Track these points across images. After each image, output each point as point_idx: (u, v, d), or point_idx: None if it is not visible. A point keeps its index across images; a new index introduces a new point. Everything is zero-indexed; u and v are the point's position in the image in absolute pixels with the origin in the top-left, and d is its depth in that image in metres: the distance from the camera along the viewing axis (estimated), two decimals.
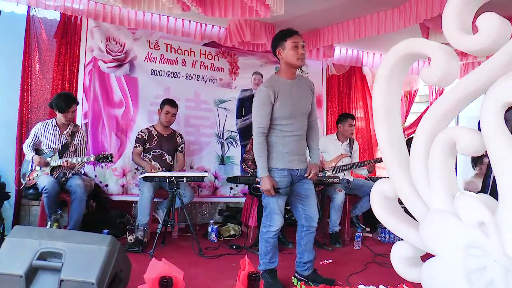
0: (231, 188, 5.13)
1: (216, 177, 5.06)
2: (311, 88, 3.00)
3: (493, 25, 1.81)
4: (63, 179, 3.80)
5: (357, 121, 6.04)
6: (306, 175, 2.95)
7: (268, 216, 2.88)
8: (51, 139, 3.85)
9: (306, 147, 3.04)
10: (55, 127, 3.87)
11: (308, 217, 2.98)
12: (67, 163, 3.71)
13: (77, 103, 3.95)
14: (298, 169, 2.90)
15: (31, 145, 3.83)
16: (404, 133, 6.02)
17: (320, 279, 2.96)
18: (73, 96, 3.97)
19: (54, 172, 3.80)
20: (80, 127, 4.10)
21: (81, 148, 3.98)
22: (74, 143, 3.93)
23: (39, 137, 3.86)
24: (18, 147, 4.13)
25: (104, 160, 3.78)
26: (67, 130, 3.90)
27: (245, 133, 5.19)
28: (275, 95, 2.76)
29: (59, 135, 3.87)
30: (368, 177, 5.08)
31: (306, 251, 3.02)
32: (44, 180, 3.63)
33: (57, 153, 3.82)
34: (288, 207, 4.13)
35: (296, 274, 3.07)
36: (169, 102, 4.30)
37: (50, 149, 3.83)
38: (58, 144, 3.86)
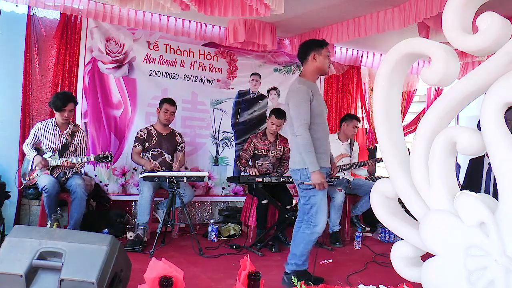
0: (223, 188, 5.17)
1: (209, 178, 5.09)
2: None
3: (494, 25, 1.82)
4: (63, 178, 3.80)
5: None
6: (332, 174, 3.15)
7: (314, 216, 2.88)
8: (51, 139, 3.84)
9: None
10: (55, 127, 3.86)
11: None
12: (67, 163, 3.71)
13: (75, 102, 3.93)
14: (329, 167, 3.04)
15: (31, 144, 3.83)
16: None
17: (309, 277, 2.96)
18: (70, 95, 3.94)
19: (54, 172, 3.80)
20: (80, 126, 4.10)
21: (81, 147, 3.98)
22: (74, 142, 3.93)
23: (39, 136, 3.84)
24: (19, 147, 4.12)
25: (104, 160, 3.78)
26: (67, 130, 3.90)
27: (241, 132, 5.22)
28: (312, 93, 2.90)
29: (59, 135, 3.86)
30: (368, 176, 5.08)
31: None
32: (44, 179, 3.63)
33: (57, 152, 3.81)
34: (289, 206, 4.15)
35: (285, 271, 3.08)
36: (168, 101, 4.31)
37: (50, 149, 3.83)
38: (58, 144, 3.85)
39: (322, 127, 2.96)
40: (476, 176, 3.58)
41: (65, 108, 3.76)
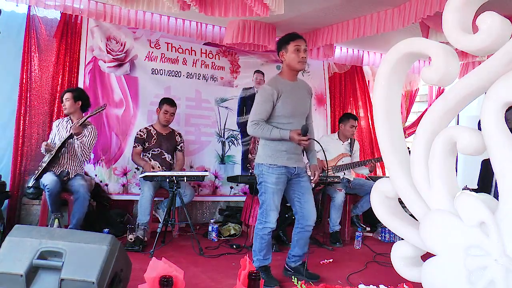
0: (231, 188, 5.13)
1: (216, 177, 5.06)
2: (309, 91, 3.12)
3: (494, 25, 1.81)
4: (65, 178, 3.79)
5: (359, 120, 6.06)
6: (312, 178, 3.06)
7: (264, 213, 2.93)
8: (62, 131, 3.91)
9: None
10: (68, 121, 3.96)
11: (303, 215, 3.03)
12: (74, 127, 3.69)
13: (74, 93, 3.93)
14: (295, 167, 2.97)
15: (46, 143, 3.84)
16: (404, 132, 6.01)
17: (304, 273, 3.02)
18: (71, 88, 4.08)
19: (57, 166, 3.78)
20: (91, 123, 4.05)
21: (88, 139, 3.86)
22: (85, 132, 3.85)
23: (54, 133, 3.94)
24: (16, 147, 4.13)
25: (98, 111, 3.81)
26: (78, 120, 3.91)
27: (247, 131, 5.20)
28: (278, 94, 2.86)
29: (70, 127, 3.87)
30: (369, 176, 5.08)
31: (296, 246, 3.09)
32: (46, 178, 3.63)
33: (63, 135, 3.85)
34: (289, 204, 4.15)
35: (285, 265, 3.17)
36: (168, 102, 4.30)
37: (59, 140, 3.84)
38: (66, 133, 3.86)
39: (291, 127, 2.89)
40: (488, 180, 3.59)
41: (63, 99, 3.92)
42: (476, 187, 4.14)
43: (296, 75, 3.00)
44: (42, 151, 3.84)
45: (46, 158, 3.78)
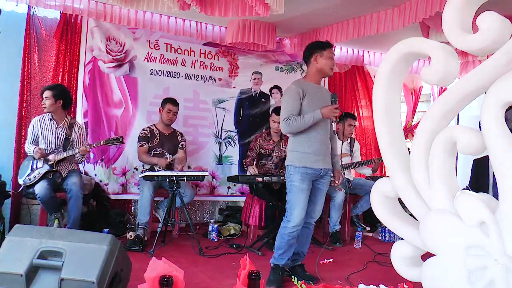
0: (228, 188, 5.14)
1: (213, 177, 5.08)
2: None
3: (494, 24, 1.82)
4: (59, 180, 3.77)
5: (362, 120, 6.05)
6: (336, 182, 3.13)
7: (288, 211, 2.95)
8: (48, 136, 3.78)
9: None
10: (51, 121, 3.81)
11: (307, 212, 3.02)
12: (84, 148, 3.67)
13: (54, 90, 3.79)
14: (322, 169, 3.00)
15: (31, 143, 3.79)
16: (412, 131, 6.00)
17: (301, 274, 3.03)
18: (50, 85, 3.92)
19: (49, 173, 3.75)
20: (77, 120, 4.05)
21: (79, 142, 3.86)
22: (73, 136, 3.85)
23: (36, 133, 3.78)
24: (17, 147, 4.12)
25: (114, 143, 3.80)
26: (63, 122, 3.84)
27: (245, 131, 5.21)
28: (303, 93, 2.96)
29: (56, 128, 3.82)
30: (369, 176, 5.08)
31: (296, 242, 3.07)
32: (38, 187, 3.59)
33: (61, 147, 3.78)
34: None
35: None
36: (171, 101, 4.31)
37: (49, 147, 3.76)
38: (55, 138, 3.79)
39: (316, 128, 2.94)
40: (483, 180, 3.58)
41: (42, 96, 3.78)
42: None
43: (321, 80, 3.12)
44: (31, 152, 3.73)
45: (41, 166, 3.72)
